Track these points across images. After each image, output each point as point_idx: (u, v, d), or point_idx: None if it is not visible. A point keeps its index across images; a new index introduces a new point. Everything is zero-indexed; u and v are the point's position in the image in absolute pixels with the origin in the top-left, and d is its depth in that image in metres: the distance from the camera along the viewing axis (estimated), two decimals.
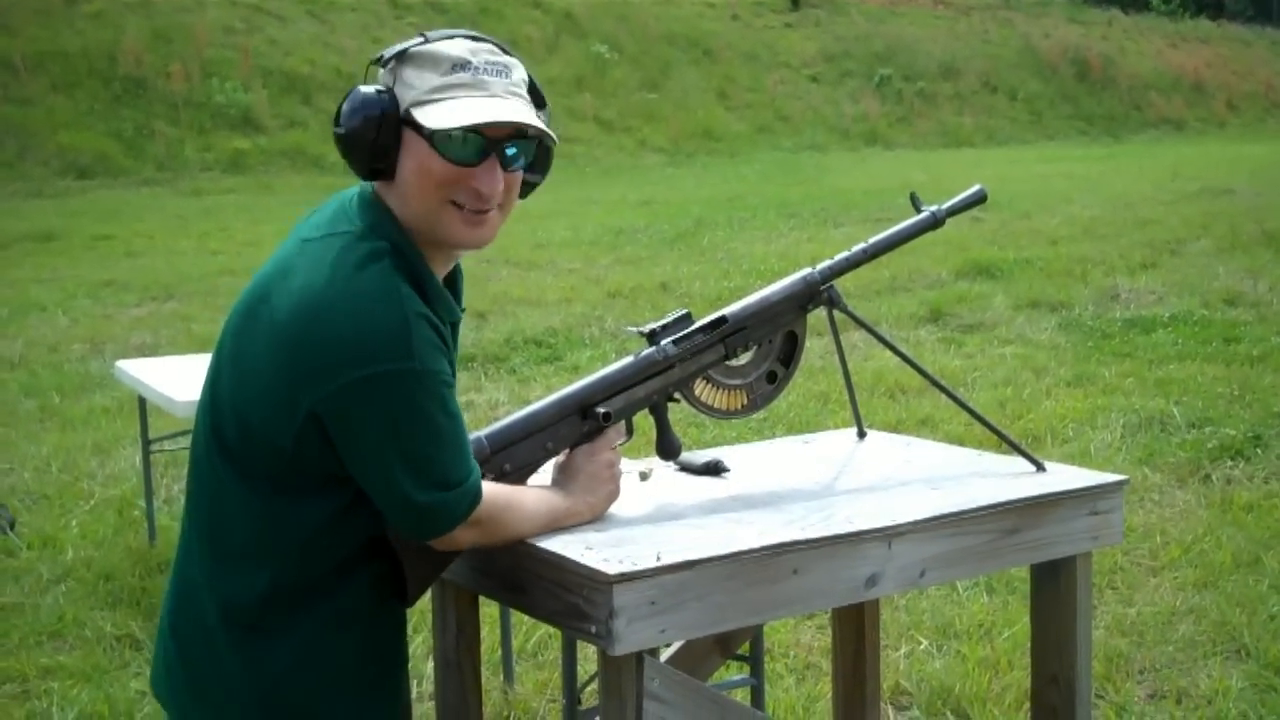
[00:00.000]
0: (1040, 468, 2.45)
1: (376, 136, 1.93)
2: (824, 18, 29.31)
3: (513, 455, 2.12)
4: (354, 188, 2.04)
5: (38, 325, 9.23)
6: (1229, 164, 18.37)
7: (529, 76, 2.03)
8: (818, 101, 25.60)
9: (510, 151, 1.96)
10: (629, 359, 2.24)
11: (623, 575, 1.91)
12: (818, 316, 2.45)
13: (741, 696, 3.13)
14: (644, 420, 2.32)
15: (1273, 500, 5.19)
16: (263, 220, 13.90)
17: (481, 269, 10.00)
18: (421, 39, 1.97)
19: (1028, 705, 2.75)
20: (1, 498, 5.49)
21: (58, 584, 4.68)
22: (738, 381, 2.35)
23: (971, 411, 2.54)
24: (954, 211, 2.52)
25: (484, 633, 2.40)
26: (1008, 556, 2.33)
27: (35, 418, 6.98)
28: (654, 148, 22.10)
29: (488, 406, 6.73)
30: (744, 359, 2.35)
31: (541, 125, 1.96)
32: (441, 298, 1.98)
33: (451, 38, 1.97)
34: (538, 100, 2.05)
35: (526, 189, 2.09)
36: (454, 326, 2.07)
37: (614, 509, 2.20)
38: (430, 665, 2.32)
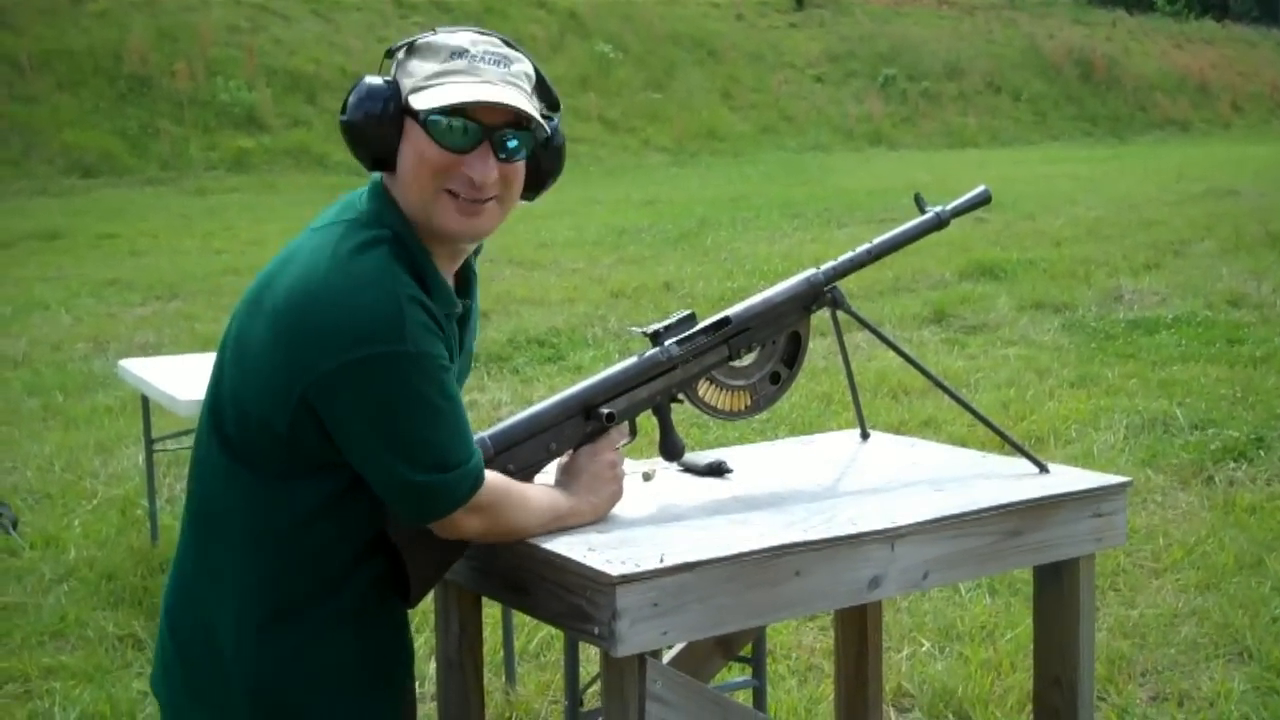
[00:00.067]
0: (1043, 469, 2.45)
1: (379, 125, 1.95)
2: (828, 18, 29.30)
3: (516, 456, 2.11)
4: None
5: (41, 324, 9.24)
6: (1234, 165, 18.35)
7: (538, 74, 2.03)
8: (822, 102, 25.59)
9: (510, 143, 1.96)
10: (632, 359, 2.24)
11: (625, 577, 1.90)
12: (821, 317, 2.45)
13: (744, 698, 3.13)
14: (647, 421, 2.32)
15: (1276, 502, 5.19)
16: (267, 219, 13.90)
17: (485, 269, 9.92)
18: (431, 32, 2.00)
19: (1030, 707, 2.74)
20: (4, 497, 5.49)
21: (60, 583, 4.69)
22: (741, 382, 2.34)
23: (975, 413, 2.53)
24: (958, 212, 2.52)
25: (486, 633, 2.39)
26: (1011, 558, 2.33)
27: (38, 416, 6.98)
28: (658, 147, 22.10)
29: (490, 406, 6.73)
30: (747, 360, 2.35)
31: (531, 111, 1.96)
32: (441, 289, 1.98)
33: (458, 31, 1.99)
34: (549, 100, 2.06)
35: (537, 188, 2.09)
36: (461, 321, 2.08)
37: (617, 510, 2.20)
38: (432, 666, 2.32)
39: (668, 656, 2.63)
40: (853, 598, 2.18)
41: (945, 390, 2.53)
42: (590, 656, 3.41)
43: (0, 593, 4.61)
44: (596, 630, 1.94)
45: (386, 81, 1.97)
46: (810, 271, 2.39)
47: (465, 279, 2.12)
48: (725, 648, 2.80)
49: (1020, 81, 28.42)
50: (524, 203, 2.11)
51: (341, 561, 1.99)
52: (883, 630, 2.94)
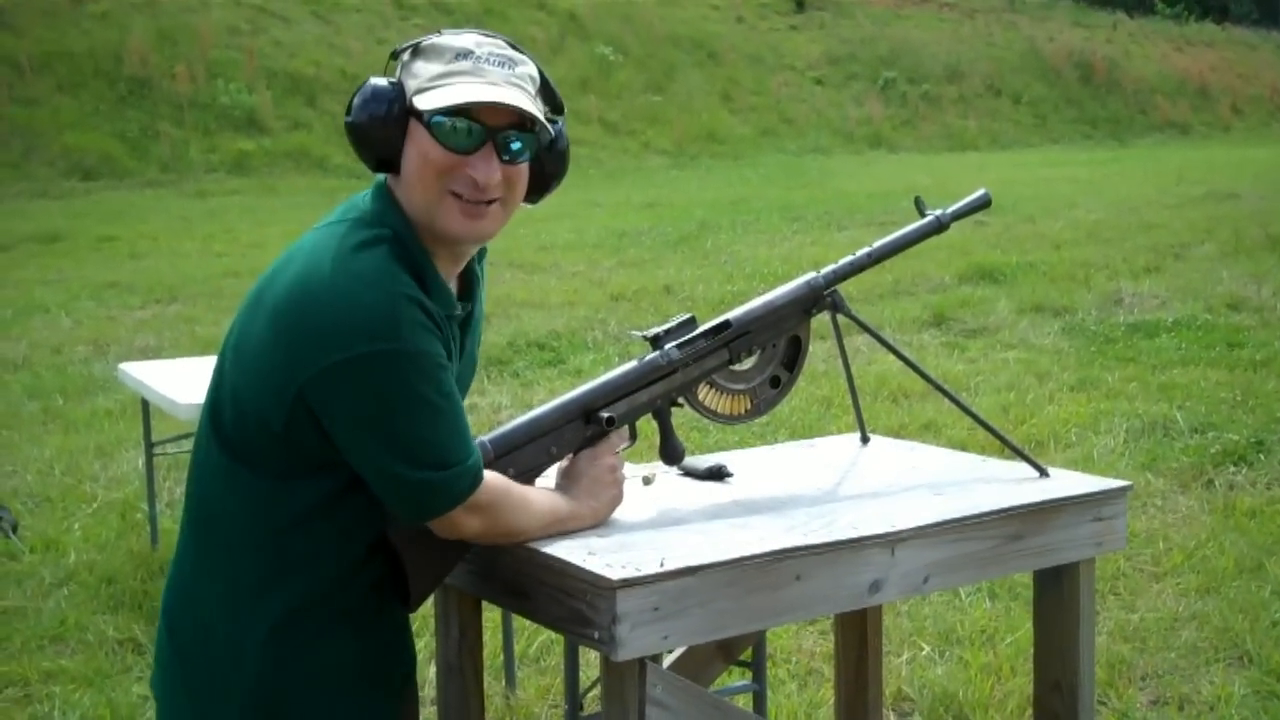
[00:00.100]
0: (1044, 473, 2.45)
1: (383, 127, 1.95)
2: (829, 20, 29.30)
3: (516, 460, 2.11)
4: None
5: (41, 327, 9.24)
6: (1234, 168, 18.35)
7: (542, 76, 2.04)
8: (822, 104, 25.59)
9: (514, 145, 1.97)
10: (632, 363, 2.24)
11: (626, 581, 1.90)
12: (821, 321, 2.45)
13: (744, 702, 3.13)
14: (647, 425, 2.32)
15: (1276, 506, 5.18)
16: (267, 222, 13.90)
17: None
18: (437, 34, 2.01)
19: (1030, 711, 2.74)
20: (4, 500, 5.48)
21: (60, 587, 4.68)
22: (741, 386, 2.34)
23: (975, 416, 2.53)
24: (959, 216, 2.52)
25: (486, 637, 2.39)
26: (1011, 562, 2.33)
27: (38, 420, 6.98)
28: (658, 150, 22.10)
29: (490, 410, 6.73)
30: (748, 364, 2.35)
31: (535, 112, 1.96)
32: (441, 290, 1.98)
33: (463, 33, 2.00)
34: (553, 103, 2.06)
35: (540, 191, 2.09)
36: (464, 325, 2.08)
37: (617, 514, 2.19)
38: (432, 670, 2.32)
39: (668, 661, 2.63)
40: (853, 602, 2.18)
41: (945, 394, 2.53)
42: (590, 661, 3.41)
43: (0, 596, 4.61)
44: (597, 634, 1.94)
45: (391, 83, 1.98)
46: (810, 275, 2.39)
47: (469, 283, 2.12)
48: (726, 652, 2.80)
49: (1020, 84, 28.42)
50: (527, 206, 2.11)
51: (340, 563, 1.99)
52: (883, 634, 2.94)
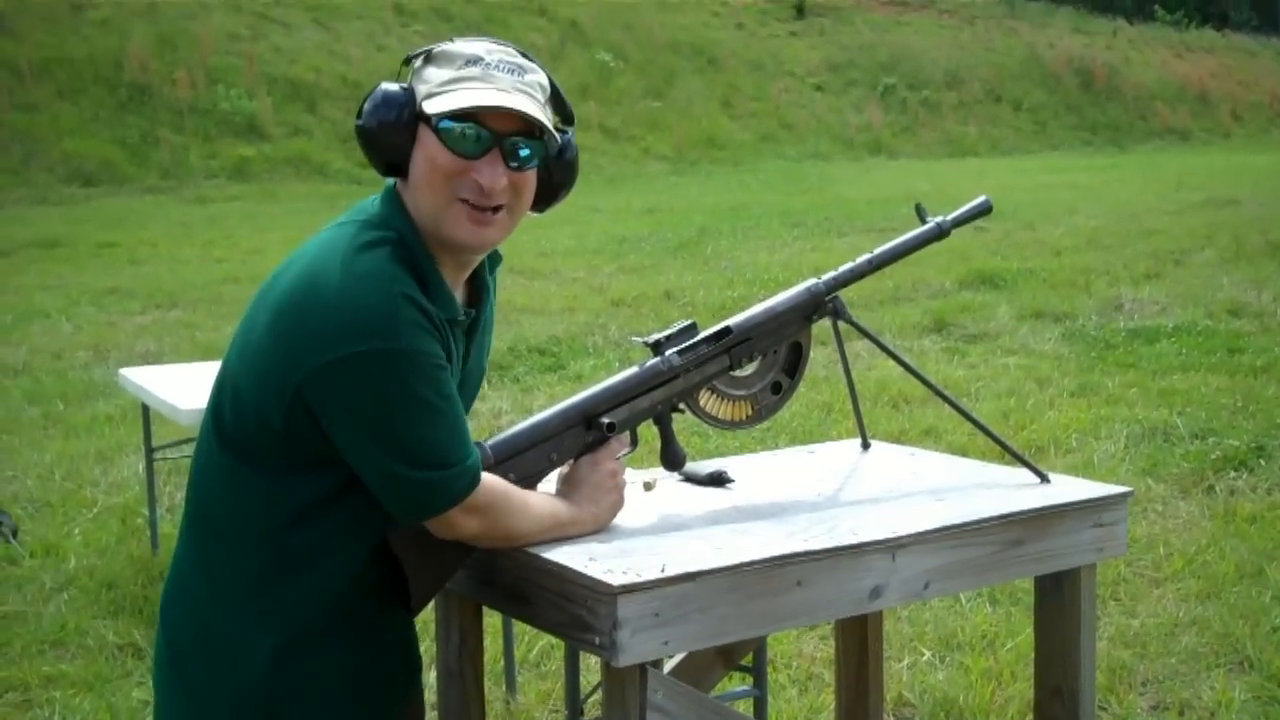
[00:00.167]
0: (1044, 479, 2.45)
1: (393, 131, 1.97)
2: (829, 27, 29.32)
3: (517, 465, 2.12)
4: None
5: (42, 332, 9.24)
6: (1234, 174, 18.37)
7: (553, 86, 2.04)
8: (822, 110, 25.60)
9: (522, 151, 1.98)
10: (633, 369, 2.24)
11: (626, 587, 1.90)
12: (821, 326, 2.45)
13: (744, 708, 3.12)
14: (648, 430, 2.32)
15: (1276, 511, 5.18)
16: (267, 228, 13.91)
17: None
18: (449, 40, 2.02)
19: (1031, 717, 2.74)
20: (4, 505, 5.48)
21: (60, 592, 4.68)
22: (742, 392, 2.35)
23: (975, 422, 2.53)
24: (959, 222, 2.52)
25: (486, 642, 2.39)
26: (1012, 568, 2.33)
27: (39, 425, 6.98)
28: (658, 156, 22.11)
29: (491, 415, 6.73)
30: (749, 369, 2.35)
31: (544, 120, 1.97)
32: (443, 294, 1.98)
33: (475, 40, 2.02)
34: (563, 113, 2.07)
35: (548, 200, 2.09)
36: (470, 331, 2.08)
37: (618, 520, 2.20)
38: (433, 675, 2.32)
39: (669, 666, 2.63)
40: (854, 608, 2.18)
41: (946, 399, 2.53)
42: (591, 666, 3.41)
43: (0, 601, 4.61)
44: (597, 640, 1.94)
45: (403, 88, 1.99)
46: (811, 281, 2.40)
47: (477, 290, 2.13)
48: (726, 657, 2.80)
49: (1020, 91, 28.44)
50: (534, 215, 2.12)
51: (340, 563, 1.99)
52: (883, 639, 2.94)
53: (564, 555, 2.02)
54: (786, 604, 2.07)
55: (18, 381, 7.88)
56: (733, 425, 2.35)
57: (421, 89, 1.98)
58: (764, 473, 2.56)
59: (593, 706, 3.01)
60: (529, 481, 2.13)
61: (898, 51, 28.30)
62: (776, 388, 2.37)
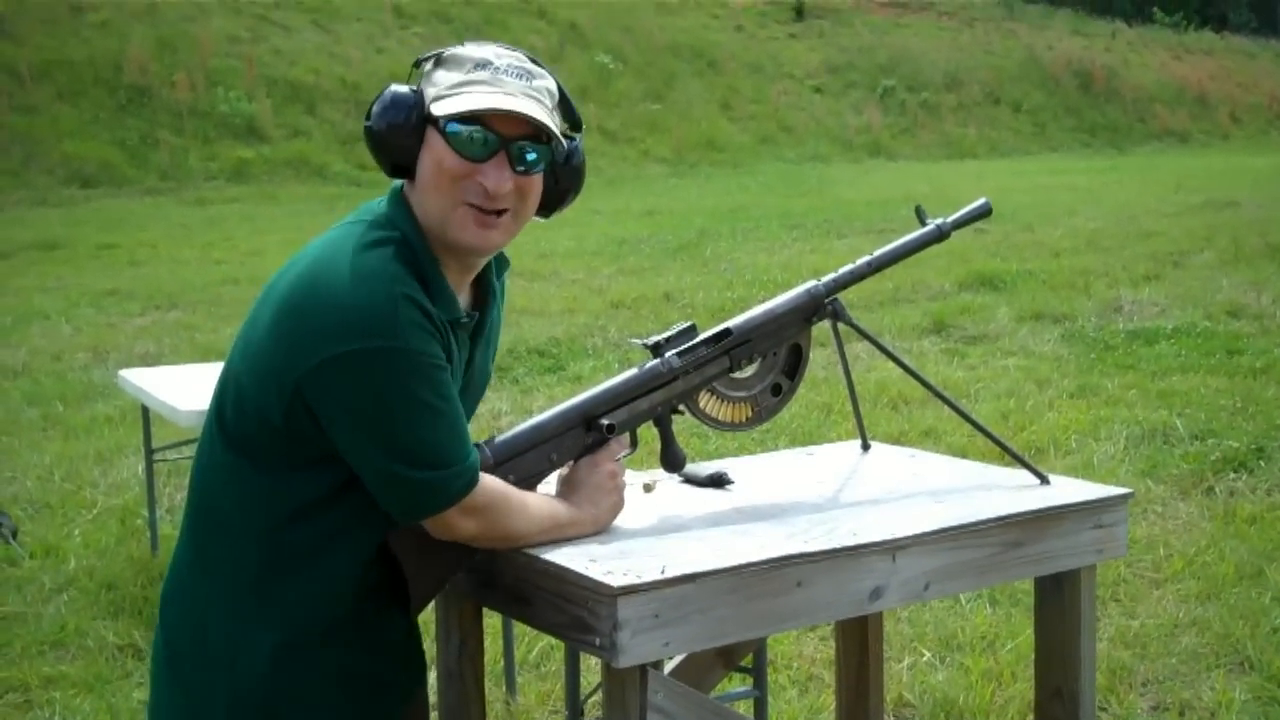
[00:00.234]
0: (1044, 480, 2.45)
1: (401, 134, 1.97)
2: (828, 29, 29.33)
3: (517, 466, 2.12)
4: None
5: (41, 334, 9.24)
6: (1233, 176, 18.37)
7: (561, 92, 2.05)
8: (821, 112, 25.61)
9: (529, 155, 1.98)
10: (633, 371, 2.24)
11: (627, 588, 1.91)
12: (821, 328, 2.45)
13: (744, 708, 3.12)
14: (648, 432, 2.32)
15: (1276, 512, 5.18)
16: (266, 230, 13.91)
17: None
18: (459, 44, 2.04)
19: (1031, 718, 2.75)
20: (4, 506, 5.48)
21: (60, 593, 4.68)
22: (742, 394, 2.35)
23: (975, 424, 2.53)
24: (959, 225, 2.52)
25: (486, 643, 2.39)
26: (1012, 570, 2.33)
27: (38, 426, 6.98)
28: (657, 158, 22.11)
29: (490, 416, 6.73)
30: (748, 371, 2.36)
31: (550, 125, 1.98)
32: (445, 296, 1.99)
33: (485, 45, 2.02)
34: (571, 119, 2.08)
35: (554, 205, 2.10)
36: (474, 334, 2.08)
37: (618, 521, 2.20)
38: (433, 676, 2.32)
39: (669, 667, 2.63)
40: (854, 609, 2.18)
41: (945, 401, 2.53)
42: (591, 666, 3.41)
43: (0, 602, 4.61)
44: (598, 641, 1.94)
45: (412, 90, 2.00)
46: (811, 284, 2.40)
47: (483, 293, 2.13)
48: (726, 658, 2.80)
49: (1019, 93, 28.45)
50: (539, 219, 2.12)
51: (339, 563, 1.99)
52: (884, 640, 2.94)
53: (564, 557, 2.02)
54: (787, 605, 2.07)
55: (17, 383, 7.88)
56: (733, 427, 2.35)
57: (430, 92, 1.99)
58: (764, 474, 2.57)
59: (593, 707, 3.01)
60: (529, 483, 2.13)
61: (897, 53, 28.31)
62: (776, 389, 2.38)
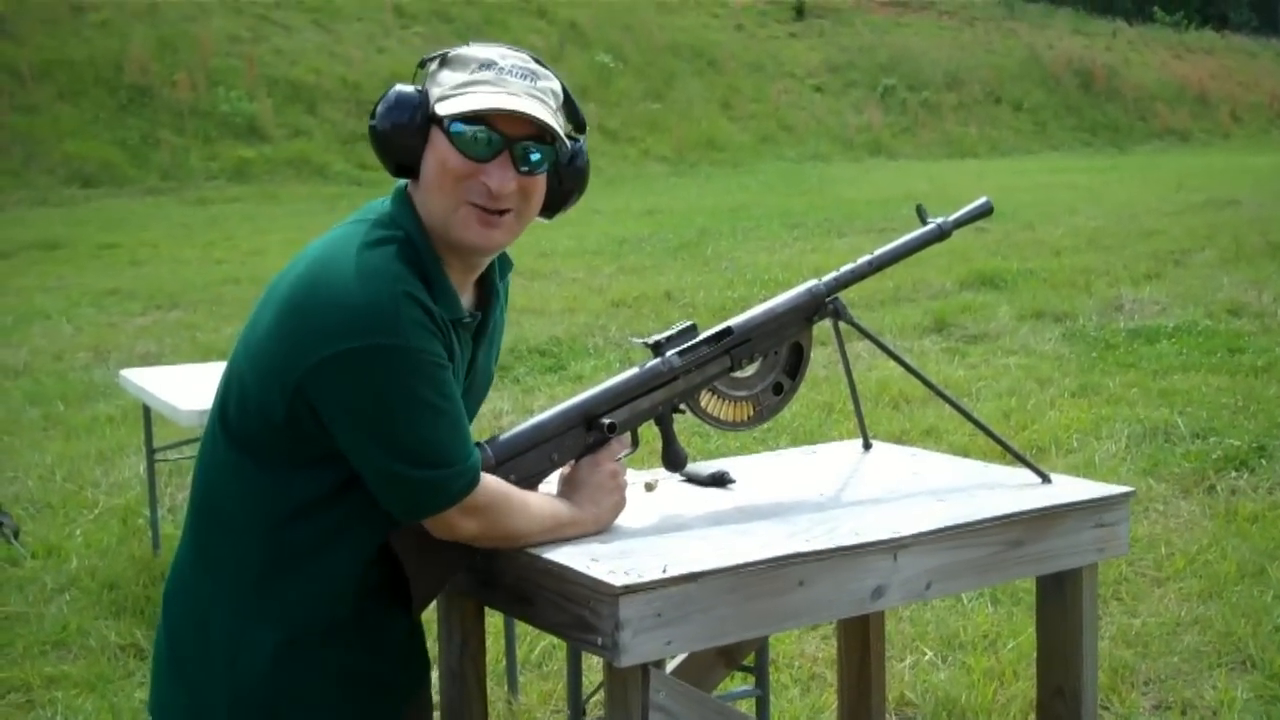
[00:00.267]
0: (1046, 479, 2.45)
1: (405, 133, 1.98)
2: (828, 28, 29.32)
3: (518, 466, 2.12)
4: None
5: (42, 333, 9.25)
6: (1233, 175, 18.37)
7: (566, 94, 2.06)
8: (821, 112, 25.61)
9: (532, 156, 1.98)
10: (634, 370, 2.24)
11: (628, 587, 1.91)
12: (822, 327, 2.45)
13: (746, 707, 3.12)
14: (649, 431, 2.32)
15: (1277, 511, 5.18)
16: (267, 229, 13.91)
17: None
18: (465, 45, 2.04)
19: (1032, 717, 2.75)
20: (5, 506, 5.48)
21: (62, 593, 4.69)
22: (743, 393, 2.35)
23: (976, 422, 2.53)
24: (960, 224, 2.52)
25: (488, 643, 2.39)
26: (1013, 569, 2.33)
27: (39, 426, 6.99)
28: (658, 157, 22.11)
29: (491, 416, 6.73)
30: (749, 370, 2.36)
31: (554, 125, 1.98)
32: (447, 295, 1.99)
33: (490, 45, 2.03)
34: (576, 120, 2.08)
35: (558, 206, 2.10)
36: (477, 334, 2.08)
37: (619, 520, 2.20)
38: (435, 675, 2.32)
39: (670, 666, 2.63)
40: (856, 608, 2.18)
41: (946, 400, 2.53)
42: (593, 666, 3.41)
43: (2, 602, 4.61)
44: (600, 641, 1.94)
45: (417, 90, 2.00)
46: (812, 283, 2.40)
47: (486, 294, 2.13)
48: (728, 657, 2.80)
49: (1020, 92, 28.44)
50: (542, 220, 2.12)
51: (340, 562, 1.99)
52: (885, 639, 2.94)
53: (566, 556, 2.03)
54: (788, 604, 2.07)
55: (18, 383, 7.89)
56: (734, 426, 2.35)
57: (435, 91, 1.99)
58: (765, 473, 2.57)
59: (595, 707, 3.01)
60: (530, 482, 2.13)
61: (897, 52, 28.30)
62: (778, 388, 2.38)
